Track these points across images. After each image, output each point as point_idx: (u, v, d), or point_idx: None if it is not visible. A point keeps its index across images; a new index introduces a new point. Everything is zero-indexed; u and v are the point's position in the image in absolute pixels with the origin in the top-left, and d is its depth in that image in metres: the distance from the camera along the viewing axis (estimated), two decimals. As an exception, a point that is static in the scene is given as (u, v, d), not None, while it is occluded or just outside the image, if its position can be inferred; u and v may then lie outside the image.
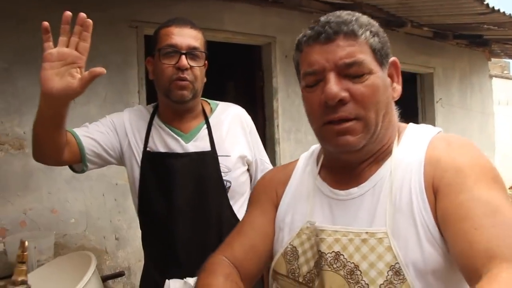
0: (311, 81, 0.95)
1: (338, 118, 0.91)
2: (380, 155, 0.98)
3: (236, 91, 5.01)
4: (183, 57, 1.52)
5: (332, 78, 0.91)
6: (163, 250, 1.61)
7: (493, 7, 4.12)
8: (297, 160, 1.17)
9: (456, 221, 0.82)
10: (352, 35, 0.92)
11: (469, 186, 0.84)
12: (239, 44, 3.81)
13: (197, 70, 1.56)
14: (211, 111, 1.70)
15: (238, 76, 4.78)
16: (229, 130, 1.65)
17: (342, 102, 0.91)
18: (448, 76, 5.76)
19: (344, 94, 0.90)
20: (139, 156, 1.62)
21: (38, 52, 2.74)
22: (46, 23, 1.20)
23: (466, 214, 0.81)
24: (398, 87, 1.01)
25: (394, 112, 1.01)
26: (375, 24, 0.98)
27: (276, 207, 1.11)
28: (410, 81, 5.80)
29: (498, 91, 7.84)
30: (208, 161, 1.59)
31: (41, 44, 2.94)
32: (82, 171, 1.62)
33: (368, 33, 0.94)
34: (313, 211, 1.02)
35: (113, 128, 1.63)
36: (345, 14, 0.96)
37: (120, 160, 1.66)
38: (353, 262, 0.91)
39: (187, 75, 1.52)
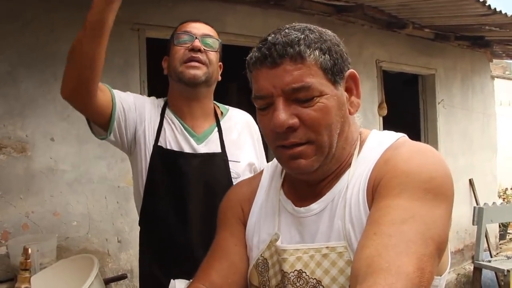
0: (262, 105, 0.93)
1: (289, 144, 0.90)
2: (340, 170, 0.97)
3: (239, 93, 5.01)
4: (197, 40, 1.55)
5: (280, 104, 0.89)
6: (169, 250, 1.60)
7: (495, 9, 4.11)
8: (262, 172, 1.15)
9: (367, 224, 0.82)
10: (298, 57, 0.88)
11: (395, 193, 0.82)
12: (241, 46, 3.81)
13: (211, 54, 1.57)
14: (222, 114, 1.71)
15: (240, 78, 4.77)
16: (239, 137, 1.66)
17: (291, 128, 0.89)
18: (449, 77, 5.75)
19: (292, 121, 0.88)
20: (149, 149, 1.58)
21: (41, 55, 2.78)
22: None
23: (377, 218, 0.81)
24: (357, 101, 0.97)
25: (354, 126, 0.98)
26: (327, 39, 0.92)
27: (243, 224, 1.08)
28: (412, 83, 5.80)
29: (500, 92, 7.84)
30: (218, 163, 1.58)
31: (44, 46, 2.94)
32: (103, 138, 1.56)
33: (317, 52, 0.89)
34: (280, 229, 1.01)
35: (136, 108, 1.59)
36: (294, 32, 0.91)
37: (129, 146, 1.61)
38: (315, 278, 0.91)
39: (201, 56, 1.54)
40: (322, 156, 0.92)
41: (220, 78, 1.66)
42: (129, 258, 3.09)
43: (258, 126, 1.00)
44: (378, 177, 0.87)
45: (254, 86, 0.94)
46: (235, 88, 5.17)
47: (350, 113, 0.96)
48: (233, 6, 3.67)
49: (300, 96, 0.88)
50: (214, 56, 1.59)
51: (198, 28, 1.60)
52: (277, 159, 0.99)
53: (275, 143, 0.92)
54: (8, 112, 2.69)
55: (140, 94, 3.11)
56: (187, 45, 1.55)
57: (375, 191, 0.87)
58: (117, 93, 1.55)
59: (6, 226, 2.65)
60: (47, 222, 2.78)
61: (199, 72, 1.53)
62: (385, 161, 0.89)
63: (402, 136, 0.97)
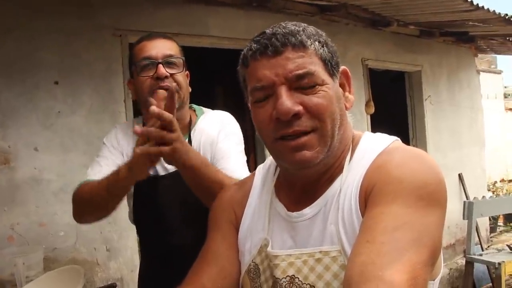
0: (261, 96, 0.91)
1: (293, 133, 0.88)
2: (333, 172, 0.96)
3: (225, 96, 5.00)
4: (160, 66, 1.48)
5: (283, 92, 0.88)
6: (158, 262, 1.63)
7: (477, 5, 4.13)
8: (254, 175, 1.13)
9: (360, 232, 0.81)
10: (300, 46, 0.89)
11: (388, 200, 0.82)
12: (225, 49, 3.79)
13: (178, 77, 1.52)
14: (195, 123, 1.64)
15: (227, 81, 4.76)
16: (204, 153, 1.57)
17: (296, 116, 0.87)
18: (436, 73, 5.78)
19: (298, 108, 0.87)
20: None
21: (22, 64, 2.74)
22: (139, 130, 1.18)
23: (370, 226, 0.80)
24: (351, 97, 0.99)
25: (348, 125, 0.98)
26: (323, 34, 0.95)
27: (236, 228, 1.07)
28: (399, 80, 5.82)
29: (486, 86, 7.90)
30: None
31: (26, 54, 2.89)
32: None
33: (317, 43, 0.91)
34: (272, 233, 0.99)
35: (114, 151, 1.61)
36: (291, 25, 0.93)
37: None
38: (308, 283, 0.90)
39: (169, 83, 1.48)
40: (326, 147, 0.90)
41: (190, 89, 1.61)
42: (118, 266, 3.05)
43: (255, 120, 0.96)
44: (371, 183, 0.87)
45: (252, 78, 0.92)
46: (222, 90, 5.15)
47: (346, 108, 0.96)
48: (216, 9, 3.65)
49: (303, 83, 0.88)
50: (181, 76, 1.53)
51: (158, 48, 1.51)
52: (275, 154, 0.96)
53: (275, 134, 0.90)
54: (-11, 123, 2.65)
55: (124, 100, 3.09)
56: (151, 73, 1.48)
57: (367, 197, 0.86)
58: (103, 173, 1.51)
59: (-9, 240, 2.61)
60: (33, 234, 2.73)
61: None
62: (378, 167, 0.88)
63: (395, 140, 0.96)
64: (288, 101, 0.87)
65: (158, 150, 1.16)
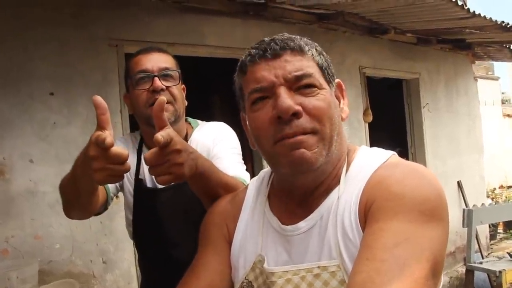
0: (259, 98, 0.91)
1: (293, 134, 0.86)
2: (329, 184, 0.93)
3: (222, 104, 4.98)
4: (156, 79, 1.48)
5: (283, 92, 0.87)
6: (160, 276, 1.60)
7: (474, 12, 4.13)
8: (247, 188, 1.10)
9: (360, 249, 0.80)
10: (299, 50, 0.91)
11: (389, 216, 0.80)
12: (221, 58, 3.78)
13: (174, 90, 1.52)
14: (190, 135, 1.64)
15: (223, 89, 4.75)
16: None
17: (296, 116, 0.87)
18: (433, 80, 5.78)
19: (298, 107, 0.87)
20: (131, 185, 1.61)
21: (16, 75, 2.71)
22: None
23: (370, 243, 0.78)
24: (346, 109, 0.99)
25: (344, 138, 0.97)
26: (318, 45, 0.97)
27: (229, 243, 1.04)
28: (396, 87, 5.81)
29: (484, 92, 7.91)
30: (187, 191, 1.54)
31: (20, 65, 2.87)
32: (100, 213, 1.55)
33: (314, 50, 0.94)
34: (266, 248, 0.97)
35: None
36: (288, 35, 0.95)
37: (119, 190, 1.66)
38: None
39: (164, 95, 1.46)
40: (325, 150, 0.89)
41: (186, 102, 1.61)
42: (115, 278, 3.01)
43: (253, 124, 0.92)
44: (371, 199, 0.85)
45: (250, 81, 0.92)
46: (218, 99, 5.14)
47: (342, 119, 0.96)
48: (212, 18, 3.63)
49: (302, 84, 0.89)
50: (177, 89, 1.53)
51: (153, 61, 1.51)
52: (273, 158, 0.92)
53: (275, 136, 0.88)
54: (-17, 134, 2.62)
55: (120, 110, 3.07)
56: (147, 87, 1.48)
57: (367, 213, 0.84)
58: None
59: (-16, 253, 2.57)
60: (28, 246, 2.70)
61: (168, 114, 1.45)
62: (378, 183, 0.86)
63: (392, 155, 0.94)
64: (288, 99, 0.87)
65: (171, 180, 1.05)
